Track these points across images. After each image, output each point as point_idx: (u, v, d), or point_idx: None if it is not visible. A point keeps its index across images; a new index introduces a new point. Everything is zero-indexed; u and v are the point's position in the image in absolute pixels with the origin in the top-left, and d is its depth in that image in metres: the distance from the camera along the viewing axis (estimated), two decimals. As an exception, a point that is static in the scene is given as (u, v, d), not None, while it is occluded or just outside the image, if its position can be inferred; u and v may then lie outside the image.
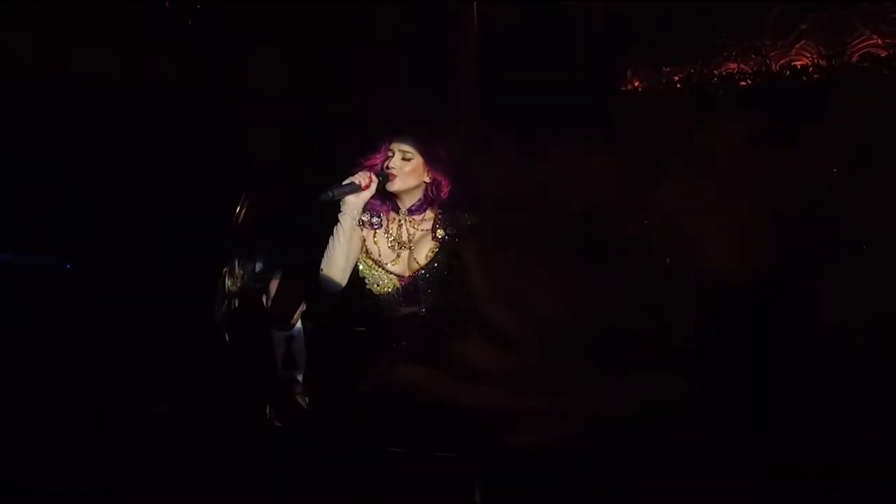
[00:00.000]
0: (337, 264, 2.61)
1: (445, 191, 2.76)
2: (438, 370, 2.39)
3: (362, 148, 6.20)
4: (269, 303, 3.32)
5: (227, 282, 5.49)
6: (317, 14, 6.09)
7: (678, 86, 5.23)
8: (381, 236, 2.71)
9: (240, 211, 5.79)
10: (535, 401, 2.26)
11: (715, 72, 5.01)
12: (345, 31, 6.08)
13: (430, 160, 2.75)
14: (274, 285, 3.32)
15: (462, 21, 6.39)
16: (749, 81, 4.89)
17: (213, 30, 5.69)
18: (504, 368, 2.38)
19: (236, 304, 5.58)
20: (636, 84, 5.74)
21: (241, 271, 5.65)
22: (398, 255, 2.72)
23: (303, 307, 3.35)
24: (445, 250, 2.67)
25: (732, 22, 5.02)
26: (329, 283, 2.63)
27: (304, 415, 2.91)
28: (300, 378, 3.27)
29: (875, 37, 4.57)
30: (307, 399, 2.91)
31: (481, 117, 6.05)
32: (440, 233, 2.72)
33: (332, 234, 2.66)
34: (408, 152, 2.73)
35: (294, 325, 3.32)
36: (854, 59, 4.61)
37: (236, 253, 5.67)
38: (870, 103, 4.16)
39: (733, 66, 4.97)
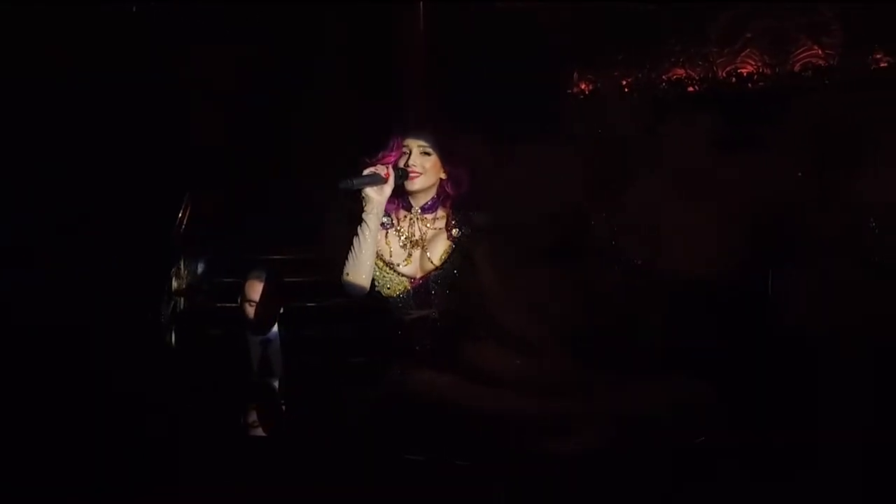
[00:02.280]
0: (364, 266, 2.47)
1: (464, 187, 2.67)
2: (452, 376, 2.37)
3: (317, 146, 6.24)
4: (247, 306, 3.23)
5: (174, 283, 5.36)
6: (261, 13, 6.02)
7: (626, 90, 5.37)
8: (392, 236, 2.60)
9: (184, 211, 5.67)
10: (551, 406, 2.28)
11: (663, 77, 5.16)
12: (292, 30, 6.03)
13: (447, 155, 2.64)
14: (251, 288, 3.22)
15: (408, 23, 6.41)
16: (696, 87, 5.05)
17: (158, 26, 5.53)
18: (519, 373, 2.38)
19: (182, 306, 5.46)
20: (583, 87, 5.86)
21: (187, 272, 5.53)
22: (410, 255, 2.61)
23: (281, 311, 3.27)
24: (460, 250, 2.60)
25: (680, 29, 5.17)
26: (355, 287, 2.50)
27: (287, 422, 2.84)
28: (277, 383, 3.21)
29: (816, 47, 4.81)
30: (310, 404, 2.85)
31: (428, 118, 6.08)
32: (455, 232, 2.63)
33: (355, 235, 2.53)
34: (426, 148, 2.63)
35: (272, 329, 3.25)
36: (796, 68, 4.83)
37: (182, 254, 5.56)
38: (811, 111, 4.35)
39: (681, 71, 5.12)
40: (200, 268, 5.54)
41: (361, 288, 2.50)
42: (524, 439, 2.14)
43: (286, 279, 3.39)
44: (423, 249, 2.60)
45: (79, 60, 5.37)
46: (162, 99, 5.46)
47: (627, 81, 5.35)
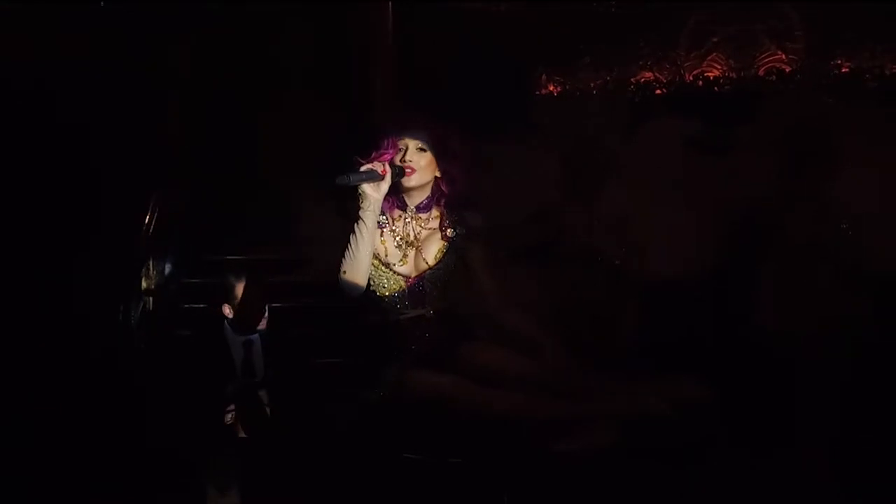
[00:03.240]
0: (362, 264, 2.43)
1: (459, 186, 2.65)
2: (448, 375, 2.35)
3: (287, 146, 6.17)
4: (229, 305, 3.17)
5: (143, 283, 5.25)
6: (230, 11, 5.95)
7: (594, 92, 5.43)
8: (387, 235, 2.57)
9: (151, 211, 5.55)
10: (548, 405, 2.28)
11: (631, 80, 5.23)
12: (260, 28, 5.96)
13: (442, 153, 2.62)
14: (233, 286, 3.17)
15: (377, 23, 6.38)
16: (664, 90, 5.14)
17: (124, 22, 5.42)
18: (515, 373, 2.38)
19: (151, 305, 5.35)
20: (551, 88, 5.91)
21: (156, 272, 5.42)
22: (405, 255, 2.60)
23: (267, 312, 3.22)
24: (454, 250, 2.60)
25: (648, 32, 5.24)
26: (352, 285, 2.46)
27: (272, 427, 2.81)
28: (259, 384, 3.16)
29: (780, 53, 4.93)
30: (305, 405, 2.81)
31: (393, 117, 6.06)
32: (449, 232, 2.63)
33: (352, 233, 2.48)
34: (422, 145, 2.62)
35: (253, 330, 3.20)
36: (761, 72, 4.95)
37: (150, 254, 5.45)
38: (777, 114, 4.44)
39: (648, 74, 5.20)
40: (170, 268, 5.44)
41: (359, 286, 2.47)
42: (521, 438, 2.15)
43: (269, 278, 3.34)
44: (418, 249, 2.59)
45: (44, 56, 5.26)
46: (129, 96, 5.36)
47: (595, 84, 5.41)
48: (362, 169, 2.46)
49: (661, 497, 2.17)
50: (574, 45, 5.63)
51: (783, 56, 4.91)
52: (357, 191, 2.47)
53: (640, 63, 5.21)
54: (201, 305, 5.17)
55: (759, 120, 4.49)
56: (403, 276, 2.57)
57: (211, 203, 5.58)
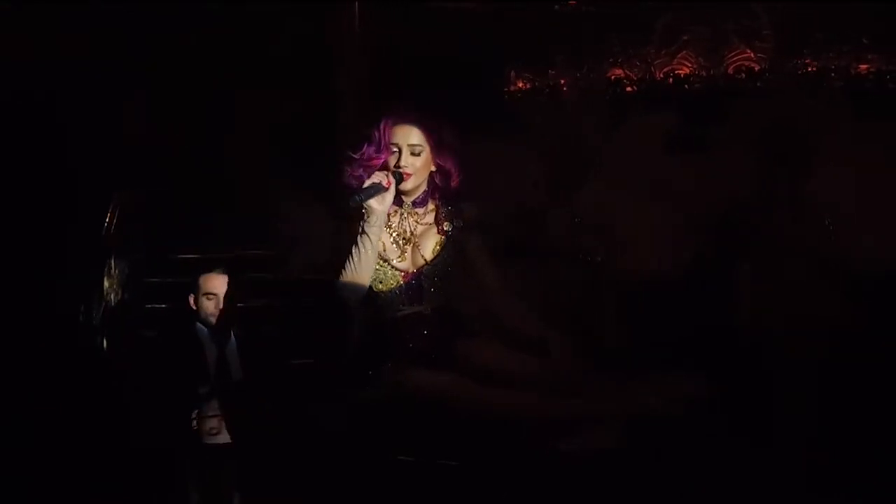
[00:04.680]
0: (364, 276, 2.38)
1: (455, 179, 2.60)
2: (448, 373, 2.30)
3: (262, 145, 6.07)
4: (204, 302, 3.07)
5: (105, 283, 5.10)
6: (194, 10, 5.85)
7: (565, 89, 5.43)
8: (384, 231, 2.53)
9: (113, 210, 5.40)
10: (549, 404, 2.24)
11: (602, 77, 5.24)
12: (224, 26, 5.86)
13: (438, 147, 2.58)
14: (207, 283, 3.07)
15: (343, 21, 6.32)
16: (634, 87, 5.16)
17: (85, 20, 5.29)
18: (515, 370, 2.34)
19: (113, 304, 5.20)
20: (520, 85, 5.89)
21: (118, 272, 5.27)
22: (403, 251, 2.55)
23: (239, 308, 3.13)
24: (451, 244, 2.56)
25: (618, 30, 5.26)
26: (352, 293, 2.39)
27: (254, 428, 2.72)
28: (236, 386, 3.07)
29: (749, 51, 4.98)
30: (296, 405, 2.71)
31: (365, 116, 6.01)
32: (446, 226, 2.58)
33: (356, 246, 2.41)
34: (416, 146, 2.51)
35: (230, 328, 3.10)
36: (730, 70, 5.00)
37: (113, 254, 5.29)
38: (747, 112, 4.48)
39: (619, 72, 5.21)
40: (133, 267, 5.32)
41: (359, 294, 2.43)
42: (520, 437, 2.11)
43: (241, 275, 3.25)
44: (415, 245, 2.55)
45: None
46: (91, 94, 5.25)
47: (565, 81, 5.41)
48: (367, 184, 2.43)
49: (661, 497, 2.15)
50: (544, 43, 5.63)
51: (752, 55, 4.96)
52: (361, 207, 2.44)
53: (611, 61, 5.22)
54: (164, 306, 5.07)
55: (731, 118, 4.53)
56: (401, 271, 2.53)
57: (176, 202, 5.47)
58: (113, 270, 4.89)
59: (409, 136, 2.53)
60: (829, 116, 4.09)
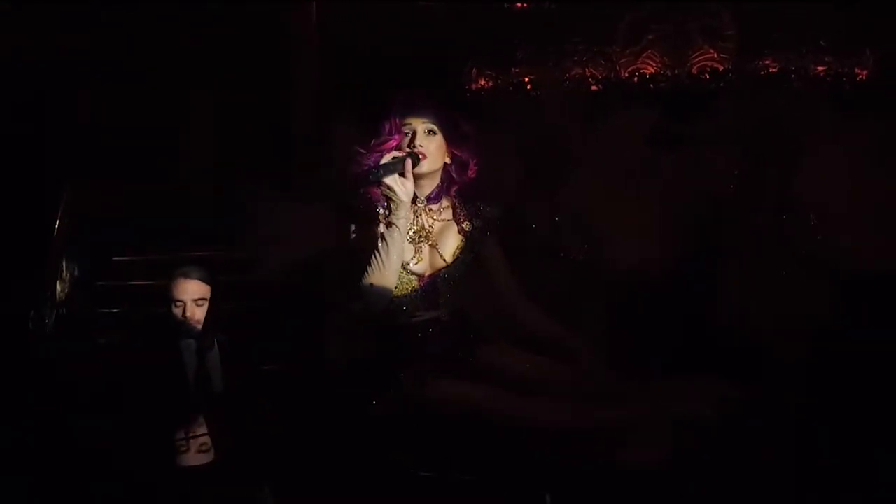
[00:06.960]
0: (392, 273, 2.22)
1: (472, 171, 2.46)
2: (478, 384, 2.17)
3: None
4: (177, 309, 2.89)
5: (57, 287, 4.83)
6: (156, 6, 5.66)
7: (528, 87, 5.38)
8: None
9: (64, 208, 5.13)
10: (576, 413, 2.14)
11: (566, 75, 5.21)
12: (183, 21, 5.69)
13: (452, 135, 2.41)
14: (180, 288, 2.89)
15: (302, 19, 6.16)
16: (599, 86, 5.15)
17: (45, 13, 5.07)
18: (541, 379, 2.24)
19: (64, 311, 4.94)
20: (482, 83, 5.83)
21: (69, 275, 5.01)
22: (419, 251, 2.40)
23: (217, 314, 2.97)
24: (471, 244, 2.44)
25: (583, 28, 5.24)
26: (380, 295, 2.22)
27: (234, 445, 2.57)
28: (215, 399, 2.90)
29: (712, 51, 5.03)
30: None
31: (323, 114, 5.89)
32: (465, 225, 2.46)
33: (382, 240, 2.26)
34: (429, 126, 2.36)
35: (208, 335, 2.94)
36: (694, 70, 5.04)
37: (63, 255, 5.03)
38: (714, 110, 4.52)
39: (583, 70, 5.20)
40: (83, 271, 5.08)
41: (385, 296, 2.28)
42: (546, 448, 2.03)
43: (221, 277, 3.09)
44: (432, 245, 2.43)
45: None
46: (40, 91, 5.03)
47: (529, 79, 5.37)
48: (384, 161, 2.30)
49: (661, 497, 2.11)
50: (506, 41, 5.58)
51: (715, 54, 5.01)
52: (375, 201, 2.32)
53: (575, 59, 5.20)
54: (115, 310, 4.86)
55: (698, 117, 4.56)
56: (417, 274, 2.40)
57: (128, 203, 5.27)
58: (64, 273, 4.65)
59: (424, 118, 2.42)
60: (795, 116, 4.16)
